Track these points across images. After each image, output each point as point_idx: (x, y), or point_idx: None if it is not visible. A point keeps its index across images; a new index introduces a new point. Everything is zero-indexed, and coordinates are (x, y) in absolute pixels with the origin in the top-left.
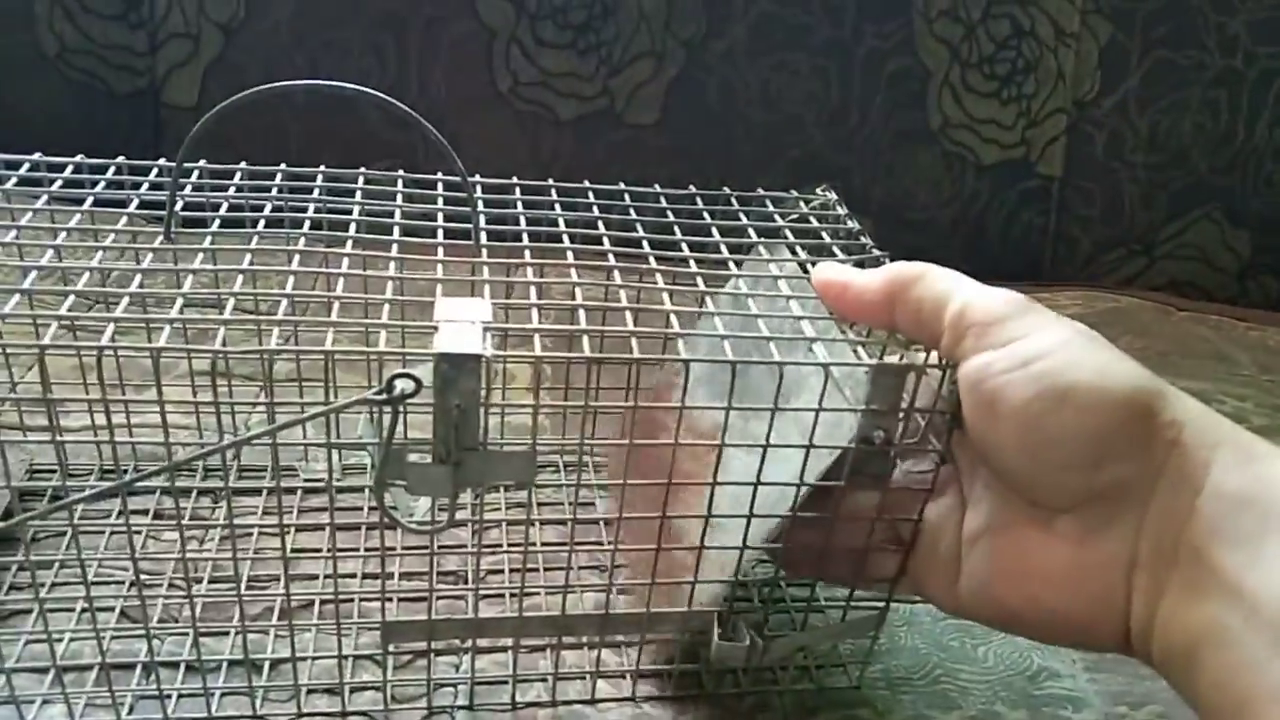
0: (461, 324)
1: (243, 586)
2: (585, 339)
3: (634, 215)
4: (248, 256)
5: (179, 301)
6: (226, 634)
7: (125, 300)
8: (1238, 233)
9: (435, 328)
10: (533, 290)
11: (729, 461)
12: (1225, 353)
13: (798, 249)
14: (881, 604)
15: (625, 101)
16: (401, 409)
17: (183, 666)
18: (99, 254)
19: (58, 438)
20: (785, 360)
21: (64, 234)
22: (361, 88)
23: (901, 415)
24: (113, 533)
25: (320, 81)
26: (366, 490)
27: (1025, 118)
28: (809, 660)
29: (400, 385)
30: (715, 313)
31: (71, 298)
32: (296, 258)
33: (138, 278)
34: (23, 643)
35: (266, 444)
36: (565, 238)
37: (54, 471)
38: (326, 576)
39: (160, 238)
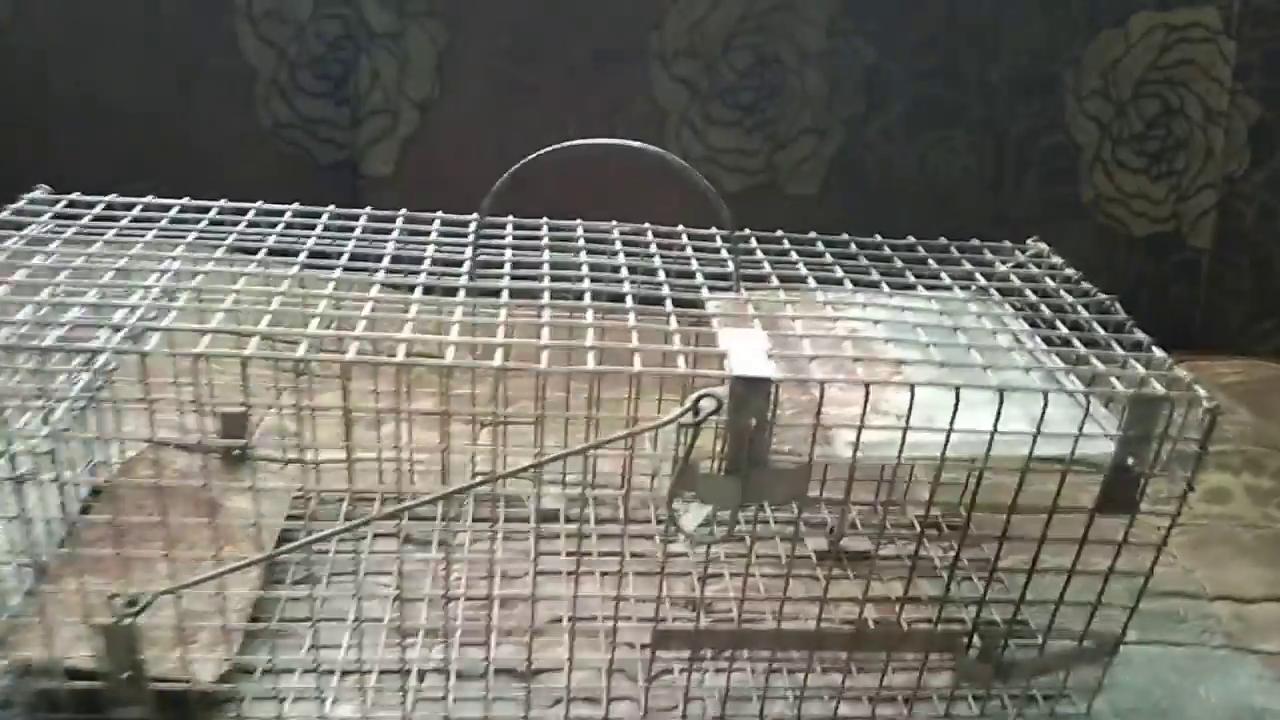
0: (750, 349)
1: (535, 605)
2: (860, 367)
3: (864, 261)
4: (547, 312)
5: (499, 353)
6: (482, 645)
7: (452, 350)
8: None
9: (723, 354)
10: (799, 324)
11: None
12: None
13: (1026, 291)
14: (1117, 633)
15: (788, 175)
16: (702, 426)
17: (453, 673)
18: (415, 305)
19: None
20: (1048, 387)
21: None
22: (645, 145)
23: (1154, 444)
24: (371, 552)
25: (616, 141)
26: (591, 520)
27: (1175, 192)
28: (1039, 691)
29: (704, 405)
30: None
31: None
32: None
33: (454, 329)
34: (305, 649)
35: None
36: (811, 279)
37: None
38: (583, 596)
39: (463, 281)
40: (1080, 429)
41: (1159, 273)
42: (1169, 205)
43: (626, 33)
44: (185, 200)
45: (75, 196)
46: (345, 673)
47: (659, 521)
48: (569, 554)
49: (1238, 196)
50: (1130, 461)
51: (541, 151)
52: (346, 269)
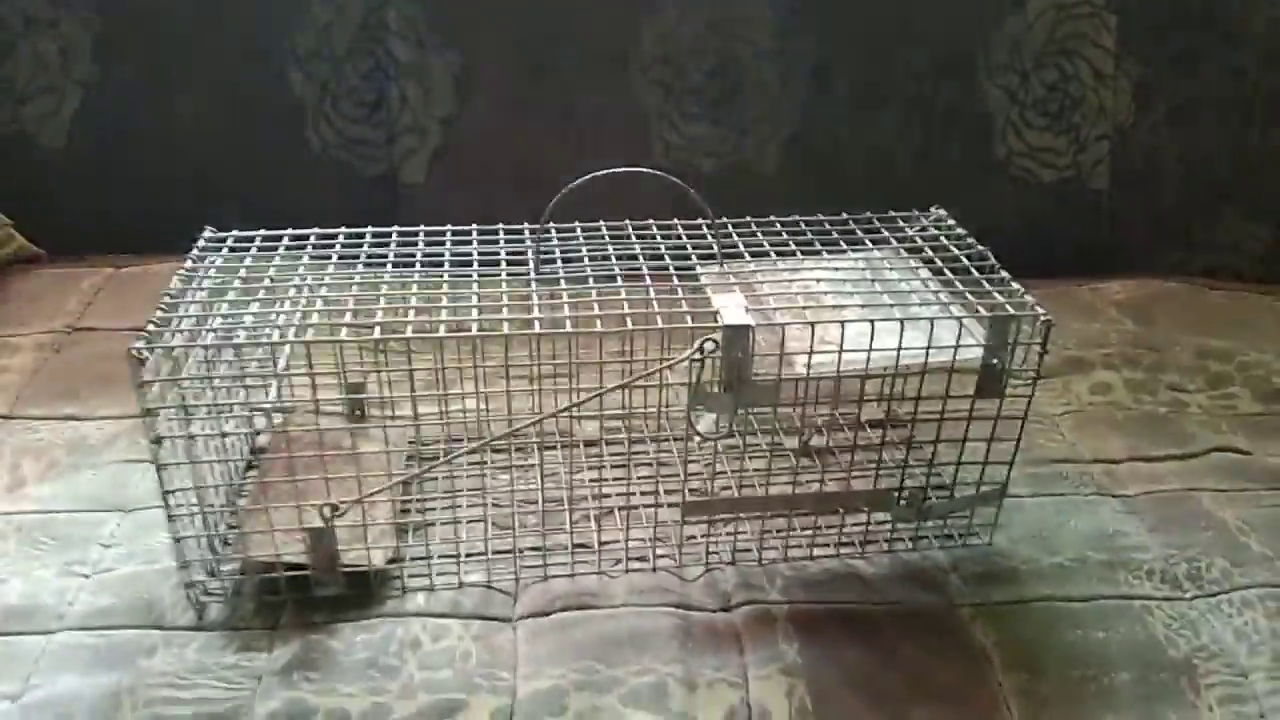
0: (734, 307)
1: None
2: (808, 313)
3: (810, 234)
4: (594, 292)
5: (568, 323)
6: (563, 530)
7: (536, 324)
8: (1259, 225)
9: (715, 311)
10: (766, 286)
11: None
12: (1250, 319)
13: (926, 248)
14: (1002, 481)
15: (753, 157)
16: (704, 359)
17: (545, 549)
18: (474, 289)
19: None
20: (939, 315)
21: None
22: (663, 174)
23: (1009, 349)
24: (468, 475)
25: (641, 169)
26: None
27: (1075, 145)
28: (954, 530)
29: (707, 346)
30: (873, 280)
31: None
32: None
33: (536, 308)
34: (437, 539)
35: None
36: (772, 253)
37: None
38: (632, 490)
39: (532, 279)
40: (958, 341)
41: (1066, 212)
42: (1070, 156)
43: (609, 48)
44: (316, 229)
45: (236, 232)
46: (469, 555)
47: (675, 438)
48: (615, 465)
49: (1127, 144)
50: (994, 361)
51: (587, 177)
52: (450, 272)
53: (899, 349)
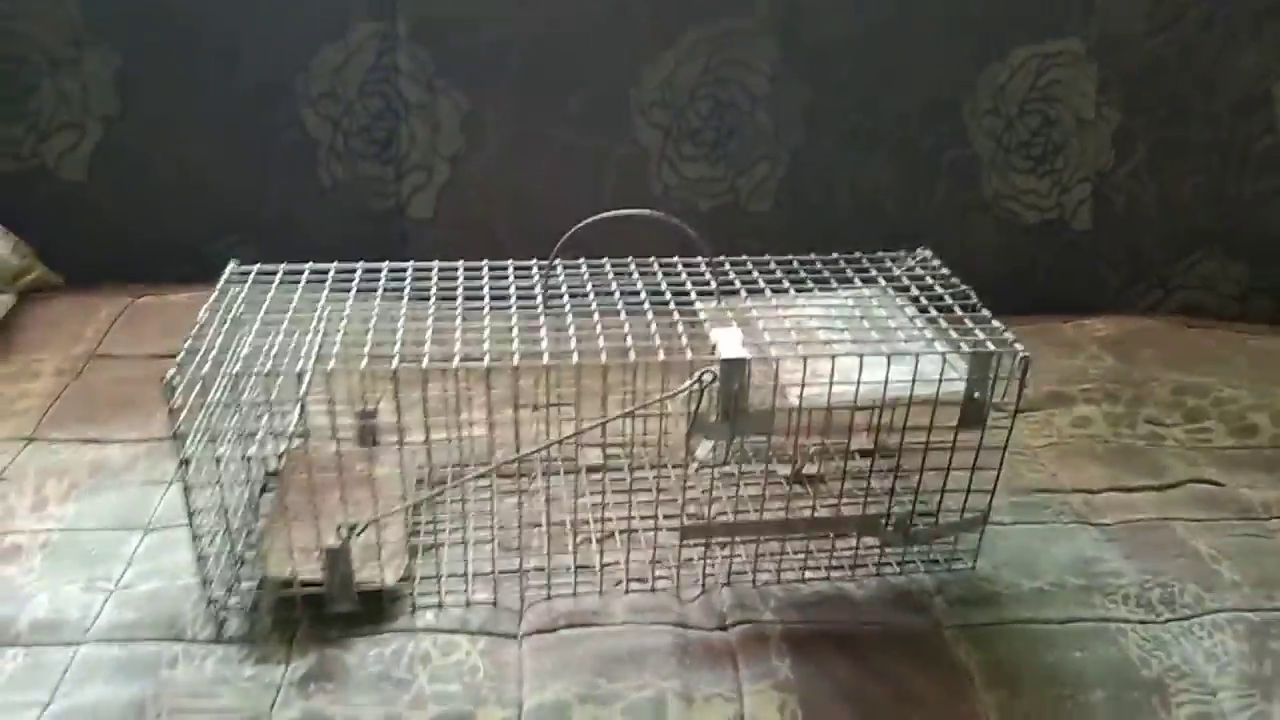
0: (731, 341)
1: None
2: (800, 347)
3: (802, 273)
4: (599, 326)
5: (574, 356)
6: (567, 553)
7: (546, 356)
8: (1235, 265)
9: (714, 344)
10: (761, 322)
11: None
12: (1225, 356)
13: (912, 287)
14: (984, 508)
15: (747, 196)
16: (703, 390)
17: (549, 570)
18: (485, 321)
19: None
20: (924, 351)
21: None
22: (667, 216)
23: (990, 383)
24: (476, 499)
25: (644, 211)
26: (627, 468)
27: (1058, 187)
28: (939, 555)
29: (705, 378)
30: (862, 316)
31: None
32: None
33: (544, 341)
34: (446, 559)
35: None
36: (767, 290)
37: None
38: (633, 515)
39: (540, 313)
40: (942, 376)
41: (1049, 252)
42: (1053, 197)
43: (612, 91)
44: (336, 264)
45: (259, 266)
46: (477, 574)
47: (674, 465)
48: (617, 490)
49: (1108, 186)
50: (976, 394)
51: (593, 218)
52: (466, 307)
53: (886, 382)
